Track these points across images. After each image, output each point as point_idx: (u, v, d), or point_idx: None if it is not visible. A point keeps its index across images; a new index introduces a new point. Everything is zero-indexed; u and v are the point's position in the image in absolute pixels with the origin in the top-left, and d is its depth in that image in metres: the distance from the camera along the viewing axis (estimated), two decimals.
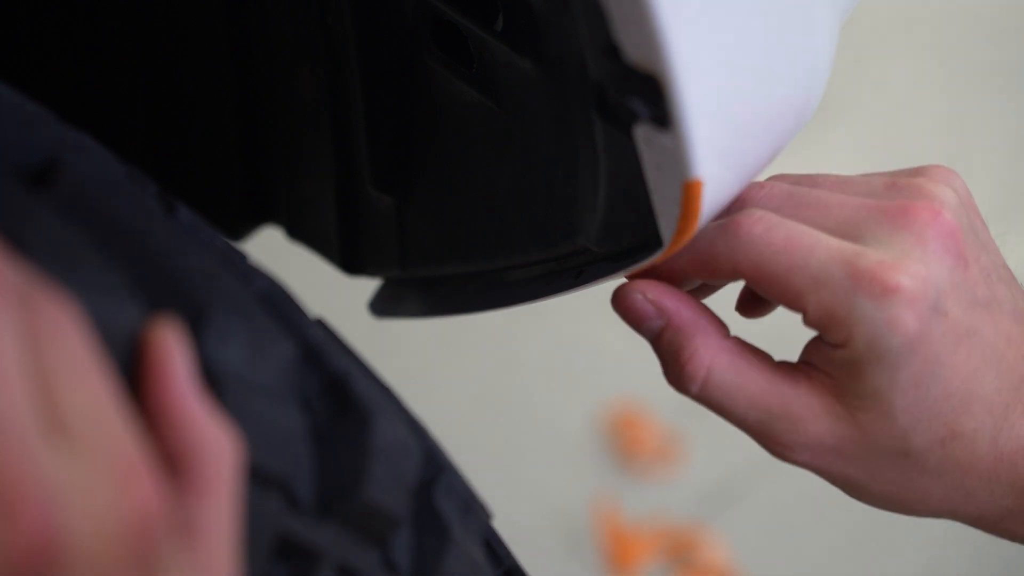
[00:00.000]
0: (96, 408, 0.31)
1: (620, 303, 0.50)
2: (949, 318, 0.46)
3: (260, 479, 0.38)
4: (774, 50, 0.45)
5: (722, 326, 0.50)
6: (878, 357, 0.45)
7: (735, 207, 0.49)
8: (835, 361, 0.47)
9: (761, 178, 0.50)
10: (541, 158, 0.51)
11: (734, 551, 1.38)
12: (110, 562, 0.30)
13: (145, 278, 0.36)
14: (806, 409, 0.47)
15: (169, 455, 0.33)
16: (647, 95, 0.41)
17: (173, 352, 0.34)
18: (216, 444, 0.34)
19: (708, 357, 0.48)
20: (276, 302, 0.42)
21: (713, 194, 0.45)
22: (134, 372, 0.33)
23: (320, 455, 0.40)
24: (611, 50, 0.41)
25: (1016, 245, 1.57)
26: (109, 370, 0.32)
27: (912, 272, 0.45)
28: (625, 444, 1.45)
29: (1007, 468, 0.48)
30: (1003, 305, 0.48)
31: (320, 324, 0.46)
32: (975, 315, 0.47)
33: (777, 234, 0.46)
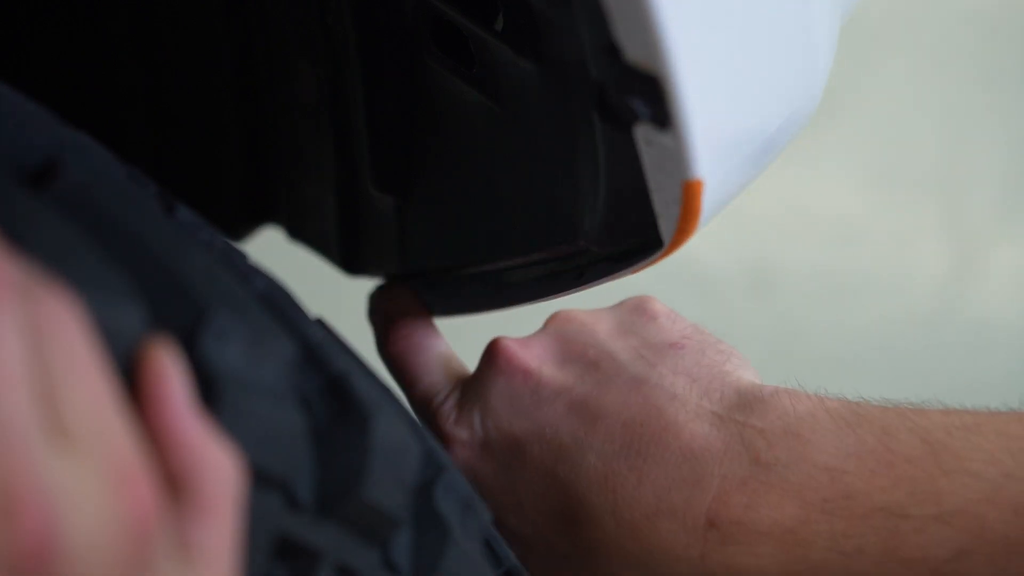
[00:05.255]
0: (96, 409, 0.31)
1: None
2: None
3: (260, 479, 0.38)
4: (775, 50, 0.45)
5: None
6: None
7: None
8: None
9: (762, 177, 0.50)
10: (542, 158, 0.51)
11: None
12: (107, 563, 0.30)
13: (145, 278, 0.36)
14: None
15: (169, 476, 0.33)
16: (647, 95, 0.41)
17: (170, 372, 0.33)
18: (216, 465, 0.34)
19: None
20: (276, 302, 0.42)
21: (713, 194, 0.45)
22: (132, 393, 0.33)
23: (320, 455, 0.40)
24: (611, 50, 0.41)
25: (1016, 245, 1.57)
26: (109, 370, 0.32)
27: None
28: None
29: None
30: None
31: (320, 324, 0.46)
32: None
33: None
